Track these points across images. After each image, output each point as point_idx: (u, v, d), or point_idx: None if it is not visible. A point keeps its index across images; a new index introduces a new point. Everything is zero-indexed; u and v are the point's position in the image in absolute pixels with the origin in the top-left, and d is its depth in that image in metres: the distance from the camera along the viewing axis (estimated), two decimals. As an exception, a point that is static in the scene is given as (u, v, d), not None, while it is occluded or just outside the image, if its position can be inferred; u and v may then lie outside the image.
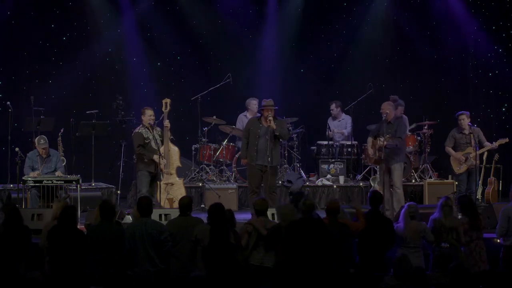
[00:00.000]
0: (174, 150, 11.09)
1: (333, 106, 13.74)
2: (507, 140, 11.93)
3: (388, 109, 11.12)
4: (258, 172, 10.86)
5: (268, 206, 8.40)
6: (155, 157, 10.76)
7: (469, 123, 11.79)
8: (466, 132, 11.74)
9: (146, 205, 7.87)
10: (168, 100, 11.13)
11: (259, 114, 11.34)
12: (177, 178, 11.16)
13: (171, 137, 11.04)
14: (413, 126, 13.37)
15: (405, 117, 12.89)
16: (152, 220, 7.91)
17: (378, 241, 8.18)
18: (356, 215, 8.68)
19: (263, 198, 8.69)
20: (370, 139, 11.25)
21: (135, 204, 8.28)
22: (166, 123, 10.96)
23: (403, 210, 8.65)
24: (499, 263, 8.63)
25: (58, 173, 11.03)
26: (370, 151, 11.17)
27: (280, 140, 11.15)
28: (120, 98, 13.77)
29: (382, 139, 10.90)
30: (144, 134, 10.92)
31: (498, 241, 8.73)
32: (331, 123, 13.79)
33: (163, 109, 11.07)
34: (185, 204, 8.23)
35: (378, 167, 11.74)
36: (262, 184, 10.88)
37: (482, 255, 8.37)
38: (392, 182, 11.13)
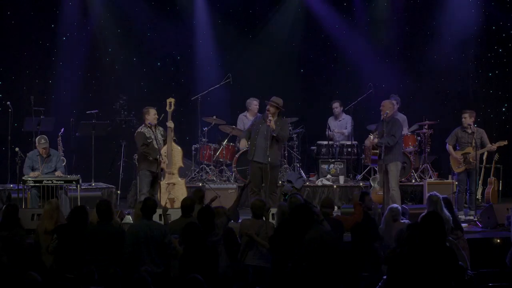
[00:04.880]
0: (177, 150, 11.11)
1: (336, 104, 13.76)
2: (506, 142, 11.91)
3: (388, 108, 11.17)
4: (258, 171, 10.87)
5: (266, 209, 8.38)
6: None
7: (470, 123, 11.77)
8: (469, 131, 11.73)
9: (151, 207, 7.82)
10: (172, 100, 11.15)
11: (259, 115, 11.38)
12: (179, 178, 11.18)
13: (174, 138, 11.06)
14: (415, 127, 13.39)
15: (402, 115, 12.92)
16: (155, 222, 7.89)
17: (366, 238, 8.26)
18: (354, 207, 8.78)
19: (261, 200, 8.66)
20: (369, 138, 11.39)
21: (138, 204, 8.25)
22: (170, 123, 10.98)
23: (384, 214, 8.76)
24: (499, 263, 8.62)
25: (58, 173, 11.03)
26: (367, 144, 11.26)
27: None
28: (124, 98, 13.82)
29: (372, 136, 10.99)
30: (146, 134, 10.95)
31: None
32: (331, 122, 13.81)
33: (167, 108, 11.09)
34: (188, 205, 8.21)
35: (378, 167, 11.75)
36: (264, 184, 10.88)
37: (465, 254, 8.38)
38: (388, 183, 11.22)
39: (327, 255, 6.66)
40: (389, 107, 11.23)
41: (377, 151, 11.04)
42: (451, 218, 8.45)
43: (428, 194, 8.87)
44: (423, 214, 6.95)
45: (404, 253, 6.44)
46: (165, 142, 11.04)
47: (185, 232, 7.19)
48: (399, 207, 8.97)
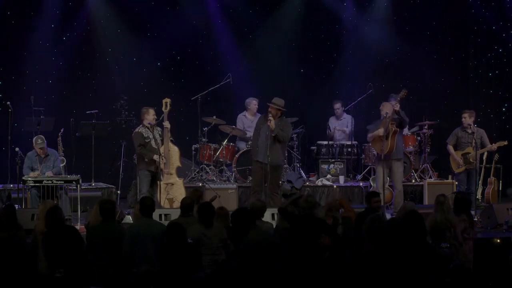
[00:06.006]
0: (174, 150, 11.10)
1: (338, 105, 13.80)
2: (506, 142, 11.93)
3: (388, 109, 11.27)
4: (259, 170, 10.88)
5: (265, 209, 8.36)
6: (155, 156, 10.78)
7: (470, 123, 11.79)
8: (469, 131, 11.76)
9: (149, 205, 7.82)
10: (168, 100, 11.14)
11: (258, 114, 11.37)
12: (177, 178, 11.17)
13: (171, 138, 11.05)
14: (415, 128, 13.41)
15: None
16: (154, 221, 7.87)
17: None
18: (341, 205, 8.72)
19: (261, 200, 8.62)
20: (371, 135, 11.40)
21: (137, 204, 8.25)
22: (166, 124, 10.97)
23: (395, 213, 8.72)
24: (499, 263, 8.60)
25: (48, 174, 10.98)
26: (381, 131, 11.17)
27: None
28: (125, 98, 13.82)
29: (394, 102, 11.08)
30: (144, 134, 10.95)
31: None
32: (333, 122, 13.82)
33: (163, 109, 11.09)
34: (187, 204, 8.21)
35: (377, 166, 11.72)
36: (266, 185, 10.88)
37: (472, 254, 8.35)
38: (391, 182, 11.25)
39: (267, 258, 6.66)
40: (389, 107, 11.33)
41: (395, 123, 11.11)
42: (461, 221, 8.33)
43: (437, 195, 8.80)
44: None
45: (383, 250, 6.50)
46: (162, 142, 11.04)
47: (167, 231, 7.17)
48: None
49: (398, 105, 11.09)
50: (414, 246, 6.47)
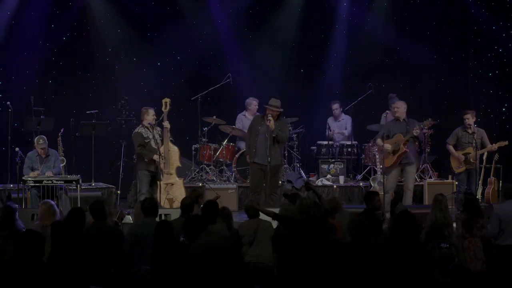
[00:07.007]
0: (174, 150, 11.11)
1: (337, 105, 13.79)
2: (506, 143, 11.94)
3: (403, 108, 11.52)
4: (258, 171, 10.88)
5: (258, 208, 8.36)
6: (155, 156, 10.79)
7: (471, 124, 11.80)
8: (469, 131, 11.78)
9: (151, 206, 7.83)
10: (168, 100, 11.16)
11: (258, 113, 11.36)
12: (177, 178, 11.18)
13: (171, 138, 11.06)
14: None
15: None
16: (156, 221, 7.88)
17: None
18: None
19: (252, 200, 8.63)
20: (379, 141, 11.37)
21: (137, 204, 8.25)
22: (166, 124, 10.98)
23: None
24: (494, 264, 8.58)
25: (47, 174, 10.98)
26: (388, 147, 11.21)
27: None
28: (126, 98, 13.83)
29: (417, 127, 11.22)
30: (143, 134, 10.96)
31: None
32: (331, 123, 13.82)
33: (163, 108, 11.10)
34: (187, 204, 8.22)
35: (381, 167, 11.72)
36: (265, 185, 10.88)
37: (477, 254, 8.30)
38: (403, 183, 11.46)
39: (217, 262, 6.66)
40: (403, 107, 11.54)
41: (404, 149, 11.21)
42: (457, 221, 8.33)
43: (435, 194, 8.79)
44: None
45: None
46: (162, 142, 11.05)
47: (155, 231, 7.18)
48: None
49: (418, 131, 11.23)
50: (406, 245, 6.51)
